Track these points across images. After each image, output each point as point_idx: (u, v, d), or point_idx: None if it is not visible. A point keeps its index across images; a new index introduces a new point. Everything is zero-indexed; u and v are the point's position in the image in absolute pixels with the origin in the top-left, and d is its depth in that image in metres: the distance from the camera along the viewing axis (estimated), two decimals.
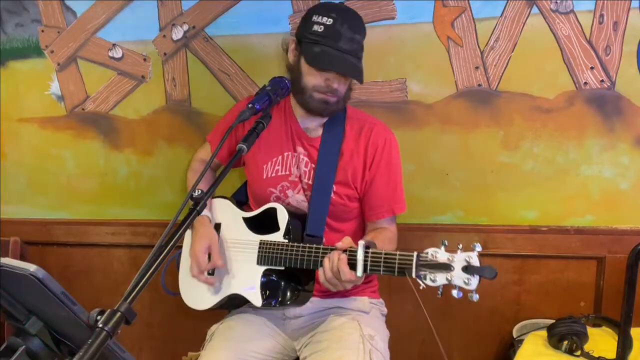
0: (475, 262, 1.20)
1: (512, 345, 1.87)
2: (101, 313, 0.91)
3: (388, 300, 1.79)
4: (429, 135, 1.98)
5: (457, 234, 1.99)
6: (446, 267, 1.22)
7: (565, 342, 1.64)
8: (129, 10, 2.12)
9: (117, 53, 2.17)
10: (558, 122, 1.90)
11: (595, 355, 1.60)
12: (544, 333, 1.73)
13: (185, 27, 2.10)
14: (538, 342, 1.72)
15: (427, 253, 1.25)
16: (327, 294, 1.64)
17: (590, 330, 1.69)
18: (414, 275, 1.25)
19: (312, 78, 1.52)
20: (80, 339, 0.94)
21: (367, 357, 1.47)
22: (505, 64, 1.90)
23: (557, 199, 1.95)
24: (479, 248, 1.21)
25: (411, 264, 1.26)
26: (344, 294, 1.67)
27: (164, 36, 2.12)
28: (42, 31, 2.21)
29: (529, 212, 1.97)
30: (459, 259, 1.21)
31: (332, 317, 1.63)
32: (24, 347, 1.05)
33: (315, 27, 1.48)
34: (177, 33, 2.11)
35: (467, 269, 1.20)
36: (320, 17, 1.49)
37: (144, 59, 2.15)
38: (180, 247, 1.73)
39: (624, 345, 1.46)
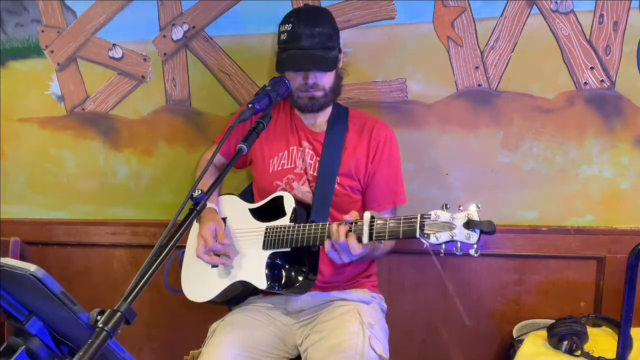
0: (476, 217, 1.24)
1: (512, 345, 1.87)
2: (101, 313, 0.91)
3: (387, 299, 1.80)
4: (429, 135, 1.98)
5: None
6: (449, 225, 1.25)
7: (565, 342, 1.64)
8: (129, 10, 2.12)
9: (117, 53, 2.17)
10: (558, 122, 1.90)
11: (595, 355, 1.60)
12: (544, 333, 1.73)
13: (185, 27, 2.10)
14: (538, 342, 1.72)
15: (430, 214, 1.28)
16: (328, 285, 1.68)
17: (590, 330, 1.70)
18: (417, 234, 1.28)
19: (292, 81, 1.63)
20: (80, 339, 0.94)
21: (366, 343, 1.50)
22: (505, 64, 1.90)
23: (557, 199, 1.94)
24: (477, 207, 1.24)
25: (415, 224, 1.29)
26: (345, 286, 1.70)
27: (164, 36, 2.12)
28: (42, 31, 2.21)
29: (529, 212, 1.97)
30: (461, 216, 1.25)
31: (333, 308, 1.65)
32: (24, 347, 1.05)
33: (282, 36, 1.62)
34: (177, 33, 2.11)
35: (468, 224, 1.23)
36: (283, 26, 1.62)
37: (144, 59, 2.15)
38: (181, 247, 1.73)
39: (624, 345, 1.46)
